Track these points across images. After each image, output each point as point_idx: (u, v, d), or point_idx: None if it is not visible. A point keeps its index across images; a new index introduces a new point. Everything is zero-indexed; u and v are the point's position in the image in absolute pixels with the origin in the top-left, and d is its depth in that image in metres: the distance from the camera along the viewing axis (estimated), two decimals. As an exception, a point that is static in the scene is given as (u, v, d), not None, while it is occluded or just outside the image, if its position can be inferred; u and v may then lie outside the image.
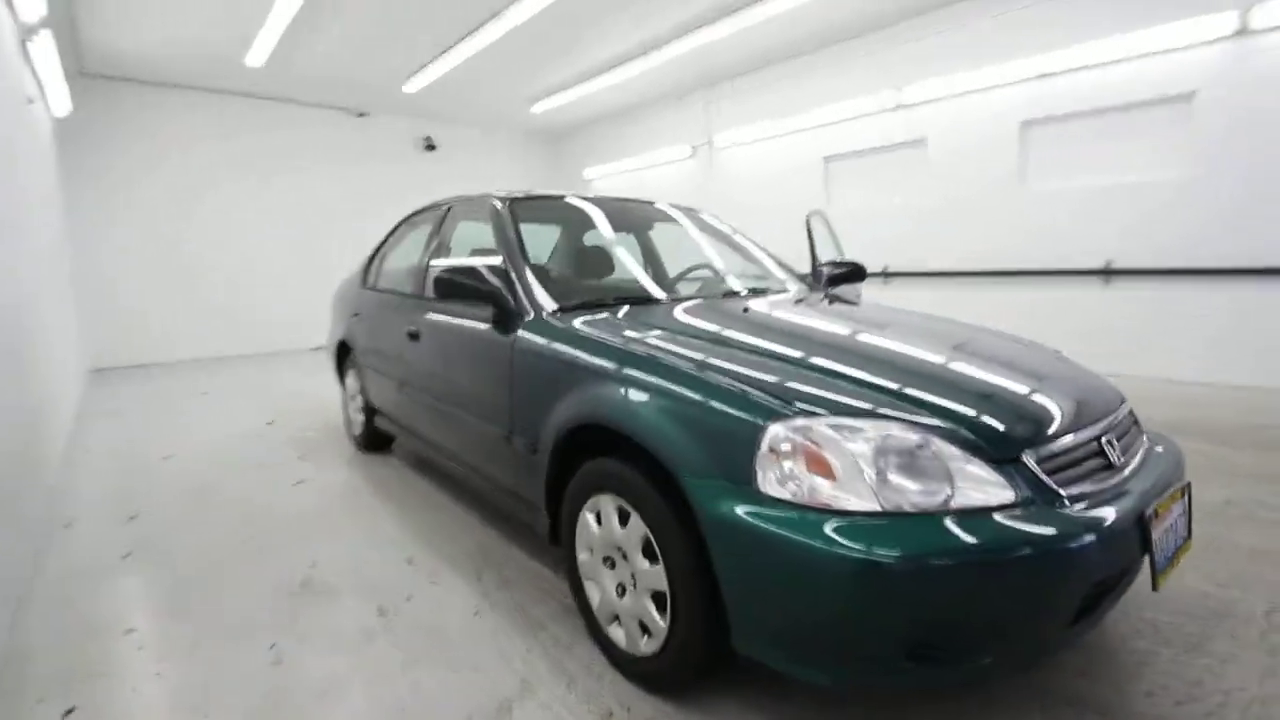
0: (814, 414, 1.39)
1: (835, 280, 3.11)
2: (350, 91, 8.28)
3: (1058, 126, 5.76)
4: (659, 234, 3.30)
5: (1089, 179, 5.62)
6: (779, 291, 2.70)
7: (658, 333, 1.89)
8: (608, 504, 1.72)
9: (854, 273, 3.20)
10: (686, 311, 2.24)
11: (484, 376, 2.28)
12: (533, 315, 2.14)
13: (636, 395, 1.62)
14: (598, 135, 10.64)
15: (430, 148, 9.83)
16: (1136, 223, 5.37)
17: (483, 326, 2.32)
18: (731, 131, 8.39)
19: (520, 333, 2.11)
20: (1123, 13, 5.25)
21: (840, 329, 2.06)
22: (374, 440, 3.84)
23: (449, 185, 10.61)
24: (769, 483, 1.35)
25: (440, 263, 2.89)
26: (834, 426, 1.36)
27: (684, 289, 2.78)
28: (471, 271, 2.24)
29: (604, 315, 2.12)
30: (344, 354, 4.05)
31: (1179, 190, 5.14)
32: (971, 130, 6.26)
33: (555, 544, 2.02)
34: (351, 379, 3.94)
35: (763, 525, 1.31)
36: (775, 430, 1.36)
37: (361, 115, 9.15)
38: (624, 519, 1.68)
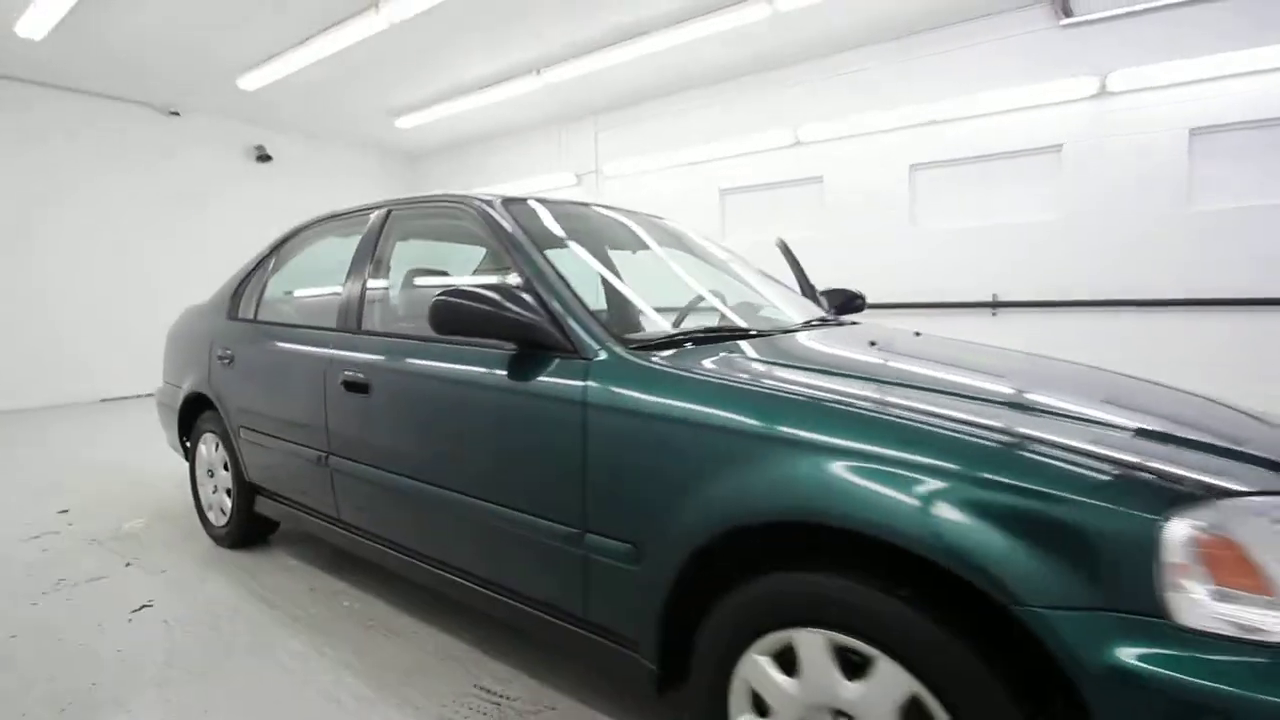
0: (1228, 493, 0.93)
1: (842, 309, 2.78)
2: (163, 83, 6.72)
3: (945, 170, 6.12)
4: (661, 254, 2.74)
5: (974, 220, 6.01)
6: (832, 322, 2.27)
7: (840, 379, 1.35)
8: (813, 644, 1.12)
9: (856, 301, 2.90)
10: (814, 345, 1.73)
11: (524, 446, 1.55)
12: (604, 355, 1.47)
13: (896, 476, 1.05)
14: (471, 158, 9.78)
15: (264, 159, 8.34)
16: (1018, 260, 5.80)
17: (500, 372, 1.60)
18: (623, 161, 8.05)
19: (592, 383, 1.43)
20: (1001, 69, 5.73)
21: (1018, 369, 1.66)
22: (250, 532, 2.78)
23: (286, 204, 9.13)
24: (1193, 610, 0.86)
25: (422, 285, 2.11)
26: (1264, 511, 0.91)
27: (696, 318, 2.25)
28: (490, 296, 1.52)
29: (712, 353, 1.52)
30: (195, 412, 2.94)
31: (1052, 231, 5.63)
32: (865, 170, 6.48)
33: (666, 691, 1.36)
34: (210, 448, 2.85)
35: (1219, 686, 0.81)
36: (1182, 527, 0.88)
37: (173, 114, 7.50)
38: (855, 668, 1.09)
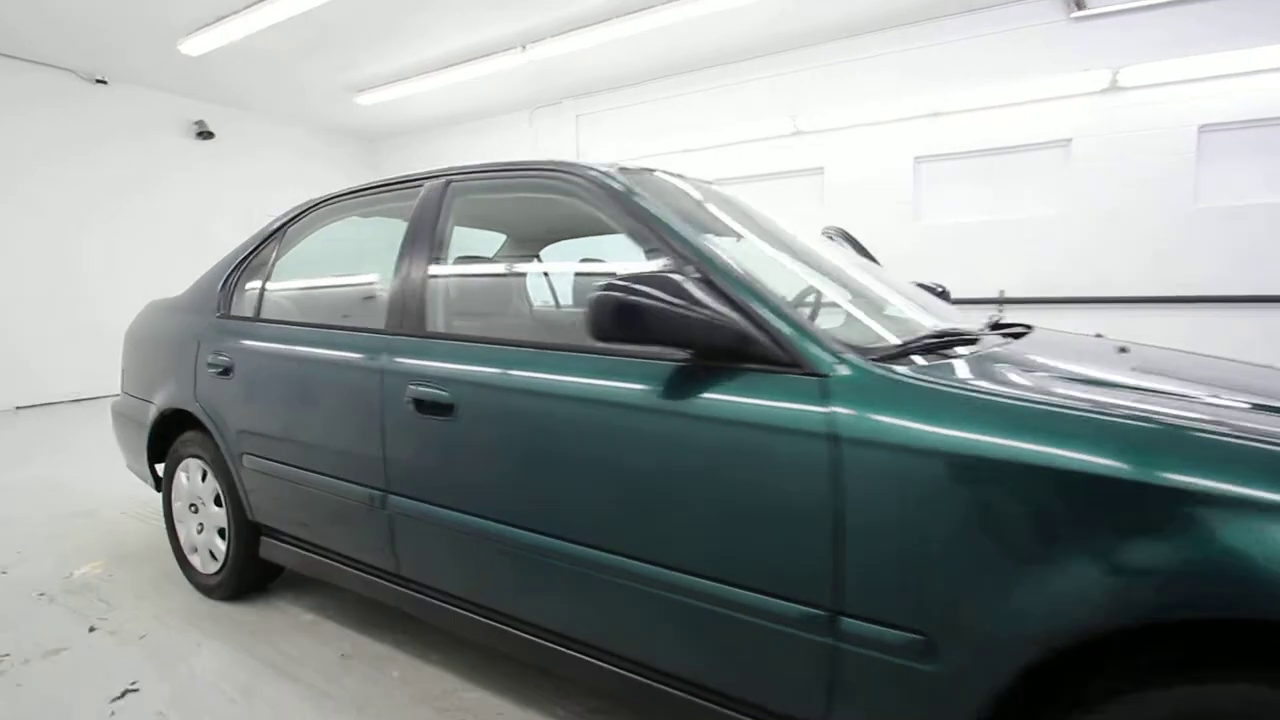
0: None
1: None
2: (88, 44, 5.85)
3: (950, 163, 5.98)
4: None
5: (980, 214, 5.89)
6: (1019, 327, 1.93)
7: (1176, 402, 1.02)
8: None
9: (942, 297, 2.61)
10: (1074, 355, 1.43)
11: (725, 492, 1.15)
12: (846, 371, 1.09)
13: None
14: (432, 143, 9.11)
15: (204, 135, 7.47)
16: (1024, 256, 5.71)
17: (672, 391, 1.20)
18: (610, 147, 7.61)
19: (840, 408, 1.05)
20: (1009, 61, 5.61)
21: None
22: (251, 581, 2.26)
23: (229, 187, 8.25)
24: None
25: (536, 270, 1.67)
26: None
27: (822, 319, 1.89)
28: (688, 291, 1.13)
29: (979, 366, 1.18)
30: (172, 432, 2.38)
31: (1059, 227, 5.56)
32: (868, 162, 6.28)
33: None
34: (194, 477, 2.31)
35: None
36: None
37: (99, 82, 6.59)
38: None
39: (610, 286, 1.13)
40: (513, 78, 6.99)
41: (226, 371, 2.11)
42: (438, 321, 1.71)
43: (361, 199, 2.10)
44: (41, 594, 2.37)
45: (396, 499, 1.65)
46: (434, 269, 1.75)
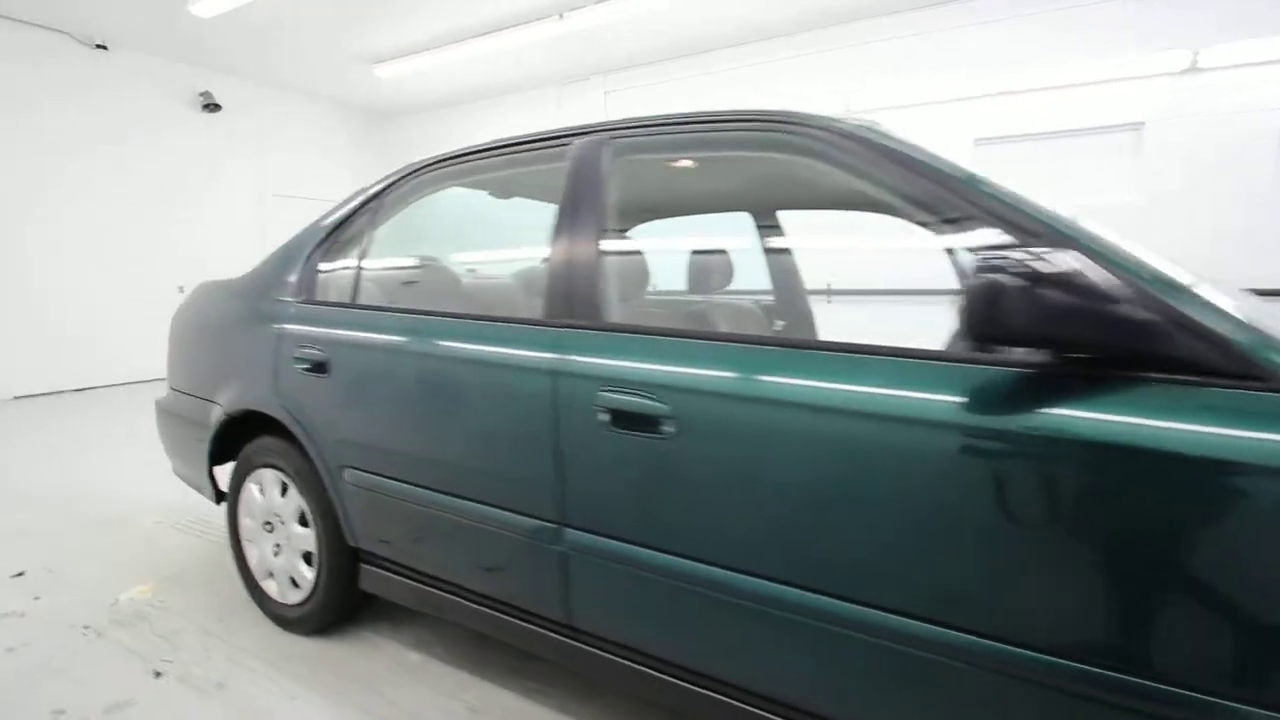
0: None
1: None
2: (88, 4, 5.37)
3: (1013, 146, 5.69)
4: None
5: (1046, 201, 5.61)
6: None
7: None
8: None
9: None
10: None
11: (1184, 557, 0.84)
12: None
13: None
14: (459, 120, 8.65)
15: (211, 108, 7.00)
16: (1091, 245, 5.45)
17: (1055, 410, 0.89)
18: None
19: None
20: (1079, 38, 5.31)
21: None
22: (343, 613, 1.93)
23: (239, 164, 7.75)
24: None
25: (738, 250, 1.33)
26: None
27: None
28: (1083, 280, 0.82)
29: None
30: (240, 436, 2.03)
31: (1133, 214, 5.29)
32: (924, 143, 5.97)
33: None
34: (269, 490, 1.96)
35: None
36: None
37: (99, 47, 6.10)
38: None
39: (1002, 270, 0.82)
40: (541, 51, 6.59)
41: (318, 368, 1.76)
42: (628, 310, 1.39)
43: (483, 160, 1.75)
44: (87, 627, 2.01)
45: (576, 534, 1.32)
46: (603, 246, 1.41)
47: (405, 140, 9.08)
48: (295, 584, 1.94)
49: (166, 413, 2.34)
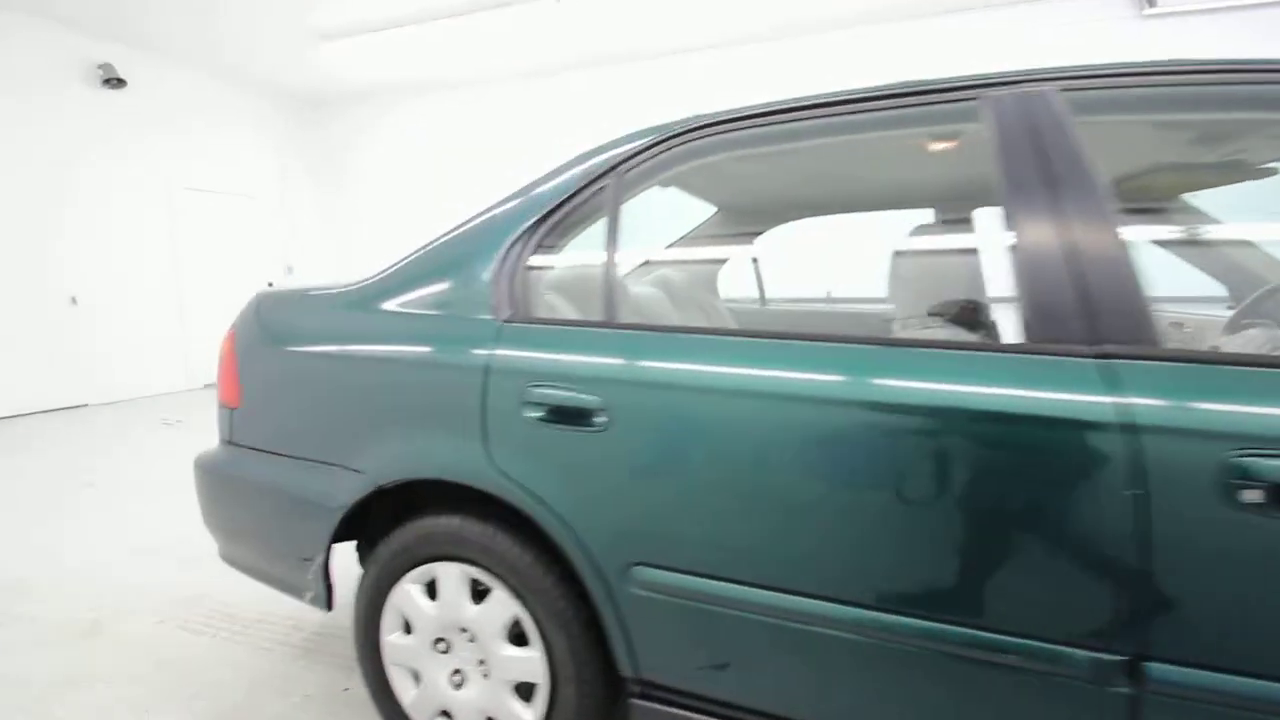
0: None
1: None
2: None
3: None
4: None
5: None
6: None
7: None
8: None
9: None
10: None
11: None
12: None
13: None
14: (409, 111, 7.79)
15: (113, 83, 5.79)
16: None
17: None
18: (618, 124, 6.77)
19: None
20: (1076, 53, 5.46)
21: None
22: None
23: (147, 152, 6.44)
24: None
25: None
26: None
27: None
28: None
29: None
30: (382, 513, 1.39)
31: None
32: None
33: None
34: (449, 595, 1.33)
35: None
36: None
37: (-33, -3, 4.84)
38: None
39: None
40: (519, 38, 5.99)
41: (574, 418, 1.17)
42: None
43: (805, 121, 1.25)
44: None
45: (1168, 672, 0.86)
46: (1135, 231, 0.98)
47: (347, 133, 8.09)
48: (518, 749, 1.32)
49: (231, 479, 1.62)
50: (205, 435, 4.61)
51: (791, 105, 1.24)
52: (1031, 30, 5.56)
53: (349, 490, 1.39)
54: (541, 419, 1.21)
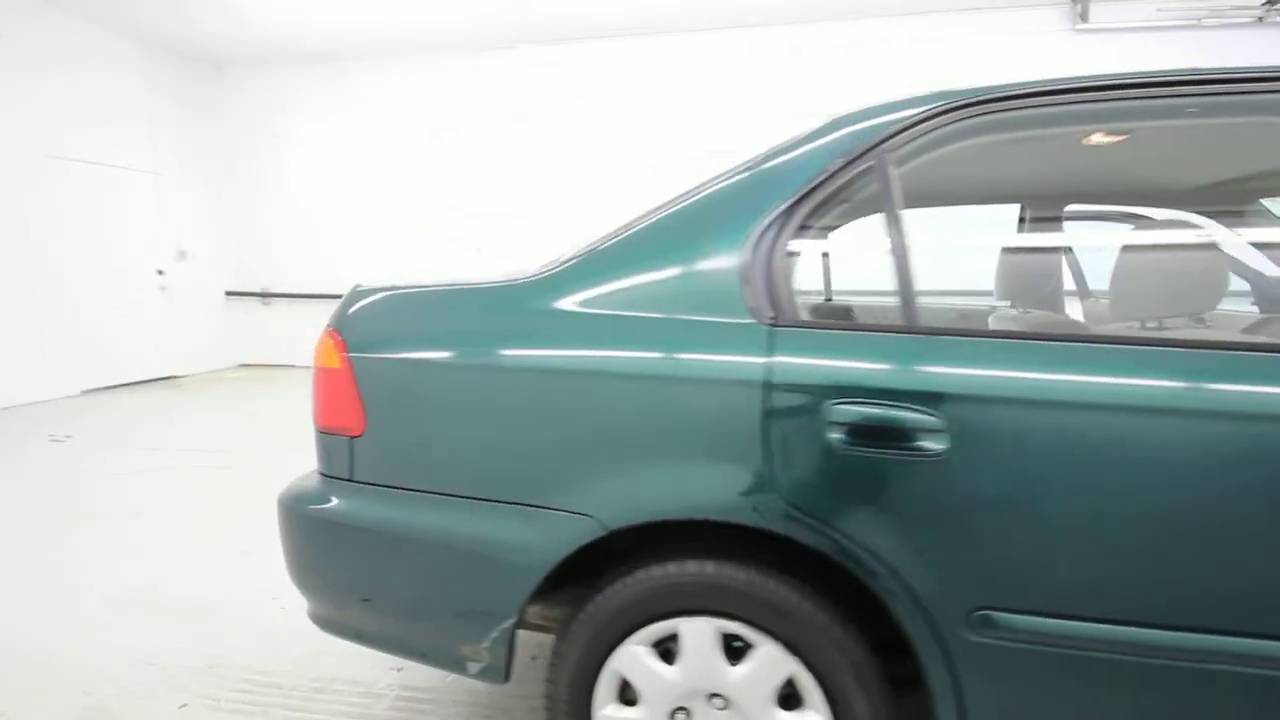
0: None
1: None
2: None
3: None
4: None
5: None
6: None
7: None
8: None
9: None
10: None
11: None
12: None
13: None
14: (328, 80, 6.98)
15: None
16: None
17: None
18: (560, 102, 6.46)
19: None
20: (1013, 63, 5.81)
21: None
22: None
23: (18, 115, 5.27)
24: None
25: None
26: None
27: None
28: None
29: None
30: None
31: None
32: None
33: None
34: (694, 654, 1.10)
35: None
36: None
37: None
38: None
39: None
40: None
41: (901, 441, 0.98)
42: None
43: (1125, 100, 1.11)
44: None
45: None
46: None
47: (249, 102, 7.15)
48: None
49: (358, 527, 1.26)
50: (105, 450, 3.89)
51: (1109, 83, 1.11)
52: (967, 39, 5.84)
53: (562, 537, 1.11)
54: (849, 442, 1.01)
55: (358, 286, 1.38)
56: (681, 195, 1.23)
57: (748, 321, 1.09)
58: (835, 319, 1.17)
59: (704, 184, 1.23)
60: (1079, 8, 5.60)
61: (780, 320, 1.09)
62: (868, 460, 1.00)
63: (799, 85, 6.11)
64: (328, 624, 1.37)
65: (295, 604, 2.10)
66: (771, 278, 1.11)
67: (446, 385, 1.21)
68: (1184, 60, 5.42)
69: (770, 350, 1.06)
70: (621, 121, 6.45)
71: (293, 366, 7.40)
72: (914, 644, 1.01)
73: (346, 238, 7.16)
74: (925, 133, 1.14)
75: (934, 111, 1.14)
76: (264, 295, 7.56)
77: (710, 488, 1.06)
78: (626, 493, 1.09)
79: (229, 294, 7.54)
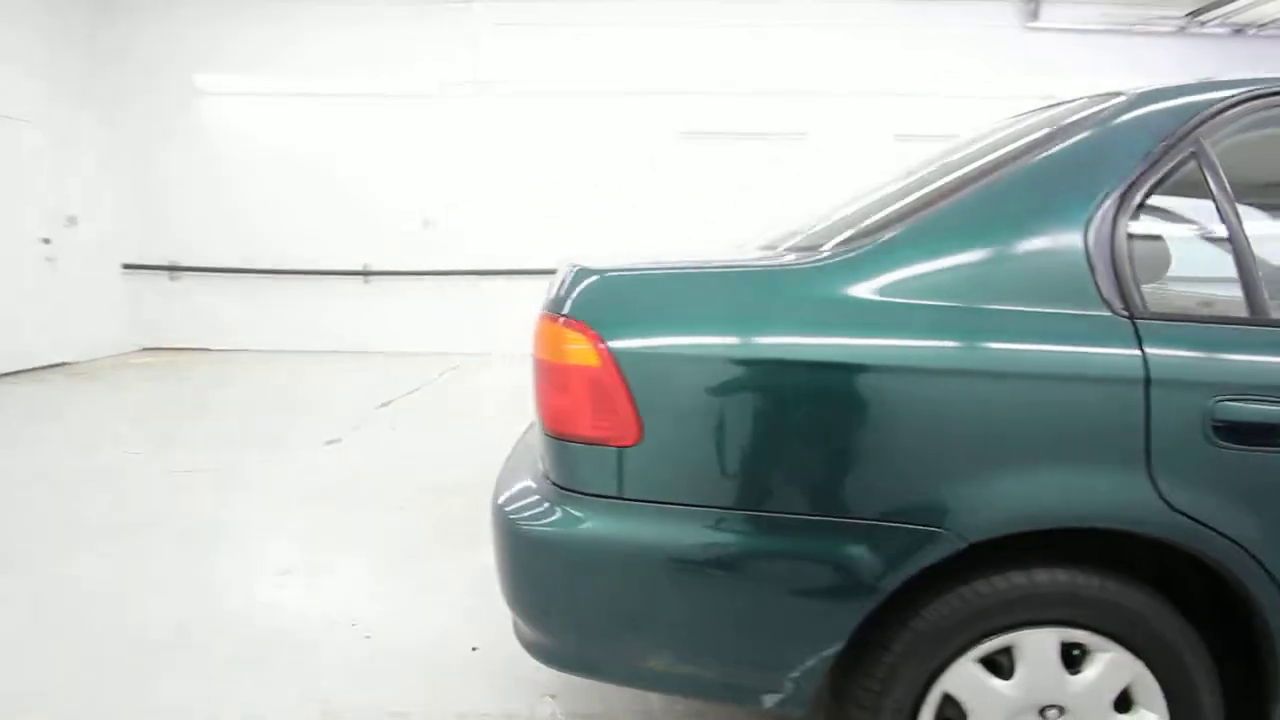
0: None
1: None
2: None
3: (929, 145, 6.30)
4: None
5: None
6: None
7: None
8: None
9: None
10: None
11: None
12: None
13: None
14: (258, 26, 6.13)
15: None
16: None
17: None
18: (527, 69, 6.10)
19: None
20: (969, 56, 6.09)
21: None
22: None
23: None
24: None
25: None
26: None
27: None
28: None
29: None
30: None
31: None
32: (853, 133, 6.24)
33: None
34: (1040, 670, 1.03)
35: None
36: None
37: None
38: None
39: None
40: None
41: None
42: None
43: None
44: None
45: None
46: None
47: (162, 44, 6.19)
48: None
49: (635, 553, 1.07)
50: (41, 451, 3.24)
51: None
52: (920, 30, 6.04)
53: (913, 554, 1.00)
54: (1236, 440, 0.96)
55: (582, 267, 1.17)
56: (960, 172, 1.14)
57: (1101, 314, 1.02)
58: (1200, 310, 1.12)
59: (1005, 158, 1.13)
60: (1031, 6, 5.93)
61: (1141, 313, 1.02)
62: (1259, 460, 0.96)
63: (785, 58, 6.08)
64: (557, 658, 1.18)
65: (373, 626, 1.85)
66: (1116, 265, 1.04)
67: (754, 384, 1.05)
68: (1115, 64, 5.91)
69: (1136, 345, 0.99)
70: (588, 91, 6.17)
71: (207, 350, 6.58)
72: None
73: (276, 207, 6.40)
74: (1243, 115, 1.10)
75: (1251, 95, 1.10)
76: (171, 269, 6.65)
77: (1096, 494, 0.99)
78: (996, 502, 0.99)
79: (127, 266, 6.57)
